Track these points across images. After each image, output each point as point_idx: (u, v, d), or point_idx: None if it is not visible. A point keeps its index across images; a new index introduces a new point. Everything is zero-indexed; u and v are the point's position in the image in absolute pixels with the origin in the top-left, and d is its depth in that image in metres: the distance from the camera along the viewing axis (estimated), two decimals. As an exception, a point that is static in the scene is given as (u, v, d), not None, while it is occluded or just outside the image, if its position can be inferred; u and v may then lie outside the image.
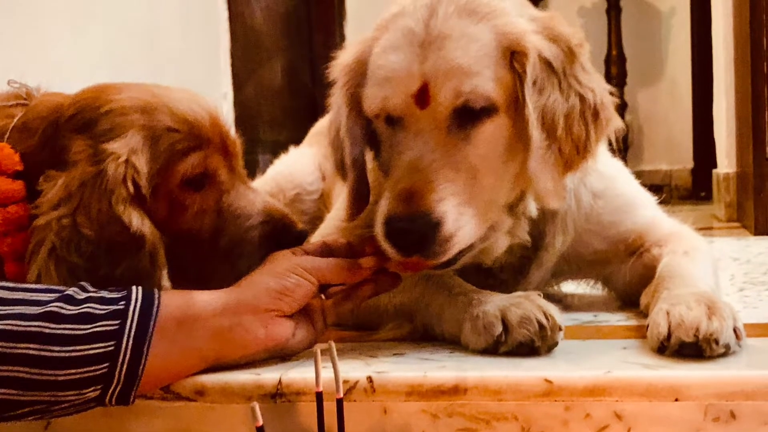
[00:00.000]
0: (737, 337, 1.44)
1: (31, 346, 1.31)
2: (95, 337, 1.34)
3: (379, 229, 1.53)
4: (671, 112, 6.08)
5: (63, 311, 1.35)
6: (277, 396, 1.42)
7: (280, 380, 1.43)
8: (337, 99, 1.74)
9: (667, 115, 6.10)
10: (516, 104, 1.59)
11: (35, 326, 1.32)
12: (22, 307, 1.34)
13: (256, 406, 1.20)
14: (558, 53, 1.62)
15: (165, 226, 1.59)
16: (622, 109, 5.59)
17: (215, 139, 1.64)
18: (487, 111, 1.57)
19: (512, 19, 1.62)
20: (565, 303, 1.97)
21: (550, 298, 1.58)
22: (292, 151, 2.89)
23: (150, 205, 1.57)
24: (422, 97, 1.56)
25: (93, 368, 1.34)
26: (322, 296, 1.60)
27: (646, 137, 6.15)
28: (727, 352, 1.43)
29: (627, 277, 1.89)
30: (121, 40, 3.36)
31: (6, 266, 1.56)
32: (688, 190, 6.02)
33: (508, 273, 1.83)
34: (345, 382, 1.39)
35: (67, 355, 1.32)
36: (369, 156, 1.75)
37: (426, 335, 1.65)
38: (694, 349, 1.42)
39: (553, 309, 1.50)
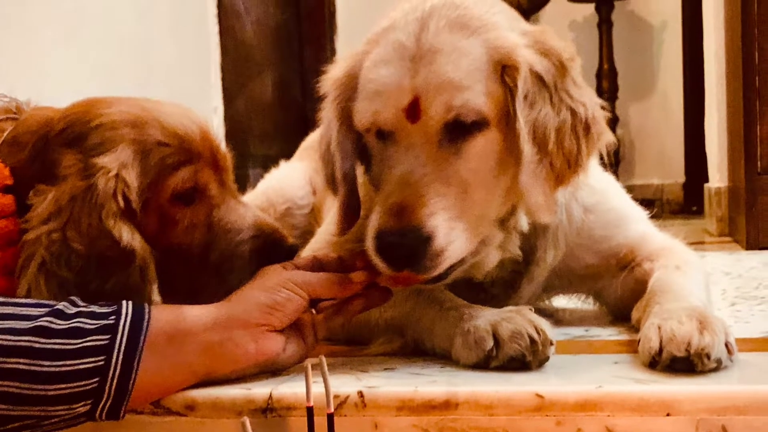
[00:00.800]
0: (729, 351, 1.44)
1: (21, 360, 1.31)
2: (85, 352, 1.34)
3: (369, 244, 1.53)
4: (663, 126, 6.09)
5: (53, 326, 1.34)
6: (268, 410, 1.42)
7: (270, 395, 1.42)
8: (327, 113, 1.74)
9: (658, 129, 6.11)
10: (507, 118, 1.59)
11: (25, 341, 1.32)
12: (12, 321, 1.34)
13: (247, 420, 1.20)
14: (549, 67, 1.62)
15: (155, 240, 1.58)
16: (613, 123, 5.60)
17: (205, 154, 1.64)
18: (478, 125, 1.57)
19: (503, 33, 1.62)
20: (557, 317, 1.97)
21: (542, 312, 1.57)
22: (282, 166, 2.89)
23: (140, 219, 1.56)
24: (413, 111, 1.56)
25: (83, 383, 1.33)
26: (313, 311, 1.60)
27: (637, 151, 6.16)
28: (718, 366, 1.43)
29: (618, 291, 1.89)
30: (112, 53, 3.35)
31: (-5, 281, 1.55)
32: (679, 204, 6.03)
33: (499, 287, 1.83)
34: (336, 396, 1.39)
35: (57, 369, 1.32)
36: (360, 170, 1.75)
37: (417, 350, 1.65)
38: (686, 363, 1.42)
39: (544, 323, 1.50)
